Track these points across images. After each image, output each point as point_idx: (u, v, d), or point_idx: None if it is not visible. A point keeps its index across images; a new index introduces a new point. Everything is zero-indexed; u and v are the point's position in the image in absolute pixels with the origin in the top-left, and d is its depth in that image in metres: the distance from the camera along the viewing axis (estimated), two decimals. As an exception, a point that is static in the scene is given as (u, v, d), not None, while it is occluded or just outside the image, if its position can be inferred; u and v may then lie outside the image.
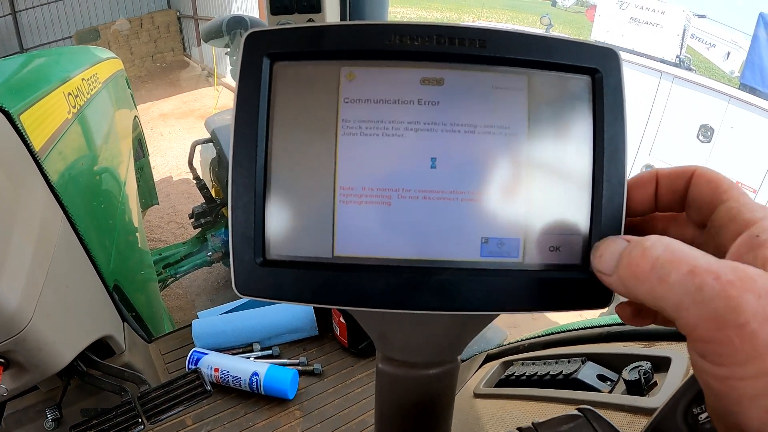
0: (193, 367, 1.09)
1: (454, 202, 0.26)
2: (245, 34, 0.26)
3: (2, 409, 1.05)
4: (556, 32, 5.55)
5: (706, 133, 4.06)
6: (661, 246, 0.21)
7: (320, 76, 0.26)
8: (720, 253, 0.22)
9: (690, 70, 4.42)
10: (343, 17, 0.94)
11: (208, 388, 0.96)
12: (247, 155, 0.26)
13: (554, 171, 0.27)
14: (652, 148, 4.35)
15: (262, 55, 0.26)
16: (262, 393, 1.04)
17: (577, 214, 0.27)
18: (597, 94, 0.27)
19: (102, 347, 1.08)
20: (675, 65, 4.36)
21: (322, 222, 0.26)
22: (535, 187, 0.27)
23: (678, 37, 4.42)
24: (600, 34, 4.82)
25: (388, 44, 0.26)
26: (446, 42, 0.26)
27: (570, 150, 0.27)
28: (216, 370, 1.07)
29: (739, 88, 4.07)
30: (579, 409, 0.38)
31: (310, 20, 0.84)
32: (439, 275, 0.26)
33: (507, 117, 0.26)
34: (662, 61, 4.37)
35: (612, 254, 0.23)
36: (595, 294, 0.26)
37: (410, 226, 0.26)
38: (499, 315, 0.28)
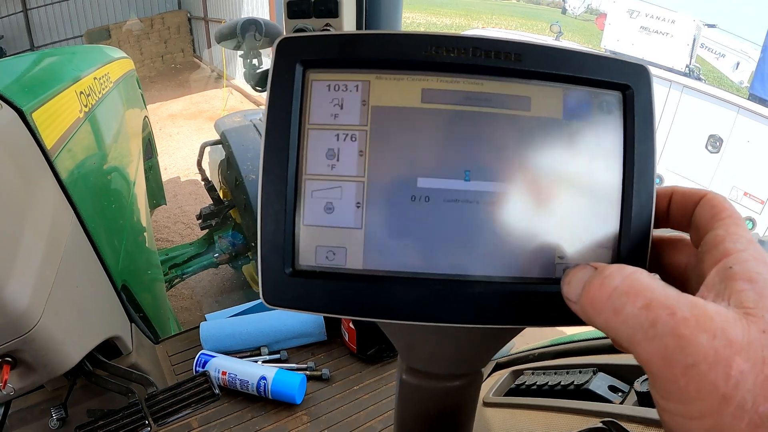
0: (201, 369, 1.08)
1: (486, 215, 0.26)
2: (277, 40, 0.25)
3: (7, 407, 1.05)
4: (565, 40, 5.54)
5: (714, 143, 4.05)
6: (620, 276, 0.21)
7: (353, 85, 0.26)
8: (701, 280, 0.22)
9: (699, 79, 4.41)
10: (359, 22, 0.94)
11: (216, 391, 0.96)
12: (278, 162, 0.26)
13: (585, 187, 0.27)
14: (660, 157, 4.34)
15: (295, 61, 0.26)
16: (270, 397, 1.04)
17: (607, 230, 0.27)
18: (628, 110, 0.27)
19: (109, 347, 1.08)
20: (685, 75, 4.35)
21: (353, 232, 0.26)
22: (567, 203, 0.26)
23: (688, 46, 4.41)
24: (610, 42, 4.81)
25: (424, 55, 0.26)
26: (482, 55, 0.26)
27: (600, 166, 0.27)
28: (223, 373, 1.07)
29: (748, 99, 4.05)
30: (603, 422, 0.38)
31: (327, 25, 0.84)
32: (471, 288, 0.26)
33: (540, 132, 0.26)
34: (672, 70, 4.36)
35: (578, 281, 0.23)
36: None
37: (441, 238, 0.26)
38: (525, 328, 0.28)
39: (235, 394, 1.07)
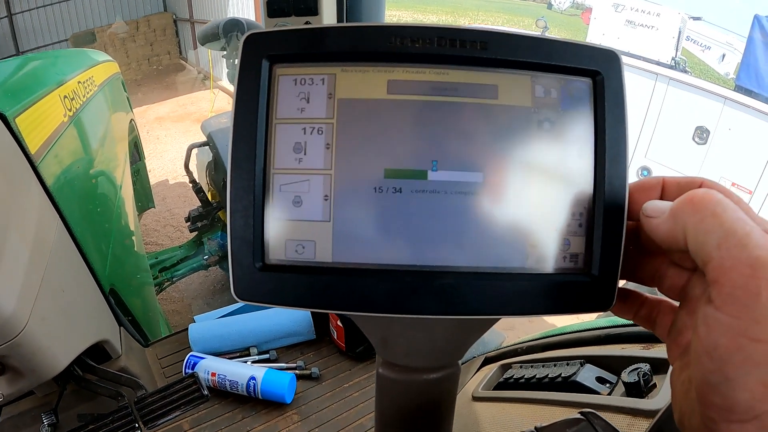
0: (190, 371, 1.08)
1: (455, 205, 0.26)
2: (244, 36, 0.25)
3: (-1, 414, 1.04)
4: (550, 35, 5.57)
5: (701, 135, 4.08)
6: (723, 196, 0.21)
7: (319, 78, 0.26)
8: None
9: (685, 72, 4.44)
10: (340, 20, 0.94)
11: (205, 392, 0.96)
12: (246, 158, 0.26)
13: (556, 175, 0.27)
14: (648, 150, 4.37)
15: (262, 57, 0.26)
16: (260, 397, 1.03)
17: (579, 218, 0.27)
18: (598, 96, 0.27)
19: (98, 351, 1.07)
20: (671, 67, 4.38)
21: (321, 225, 0.26)
22: (538, 192, 0.26)
23: (673, 39, 4.44)
24: (596, 36, 4.83)
25: (389, 46, 0.26)
26: (447, 44, 0.26)
27: (572, 153, 0.27)
28: (213, 374, 1.06)
29: (734, 90, 4.09)
30: (581, 413, 0.38)
31: (307, 23, 0.84)
32: (442, 279, 0.26)
33: (508, 120, 0.26)
34: (658, 63, 4.39)
35: (665, 204, 0.23)
36: (598, 297, 0.26)
37: (410, 229, 0.26)
38: (500, 319, 0.28)
39: (225, 395, 1.07)
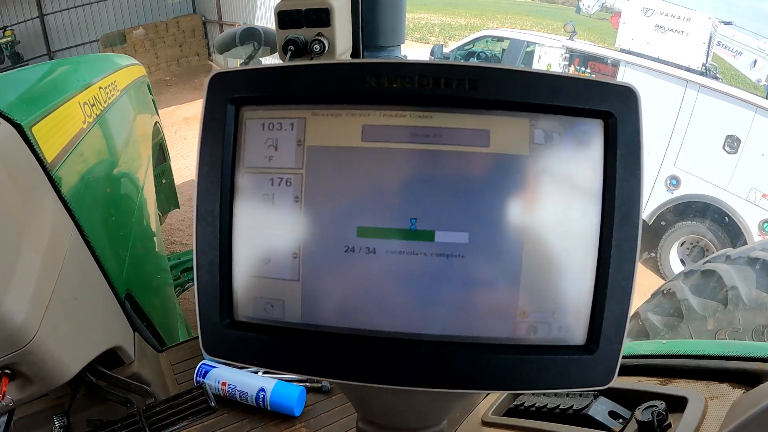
0: (201, 380, 1.08)
1: (436, 269, 0.23)
2: (209, 75, 0.24)
3: (11, 414, 1.06)
4: (579, 40, 5.45)
5: (732, 143, 3.94)
6: None
7: (288, 123, 0.24)
8: None
9: (716, 78, 4.29)
10: (355, 30, 0.92)
11: (213, 404, 0.96)
12: (210, 210, 0.24)
13: (555, 236, 0.23)
14: (677, 158, 4.24)
15: (227, 100, 0.24)
16: (269, 409, 1.03)
17: (580, 286, 0.23)
18: (609, 142, 0.23)
19: (111, 357, 1.08)
20: (701, 74, 4.25)
21: (290, 285, 0.24)
22: (531, 254, 0.23)
23: (704, 45, 4.30)
24: (625, 41, 4.71)
25: (364, 87, 0.23)
26: (430, 83, 0.23)
27: (574, 211, 0.23)
28: (223, 384, 1.06)
29: (766, 98, 3.94)
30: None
31: (319, 34, 0.83)
32: (417, 348, 0.23)
33: (500, 172, 0.23)
34: (688, 69, 4.26)
35: None
36: (597, 373, 0.23)
37: (384, 293, 0.24)
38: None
39: (234, 405, 1.06)
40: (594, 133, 0.23)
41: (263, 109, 0.24)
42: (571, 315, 0.23)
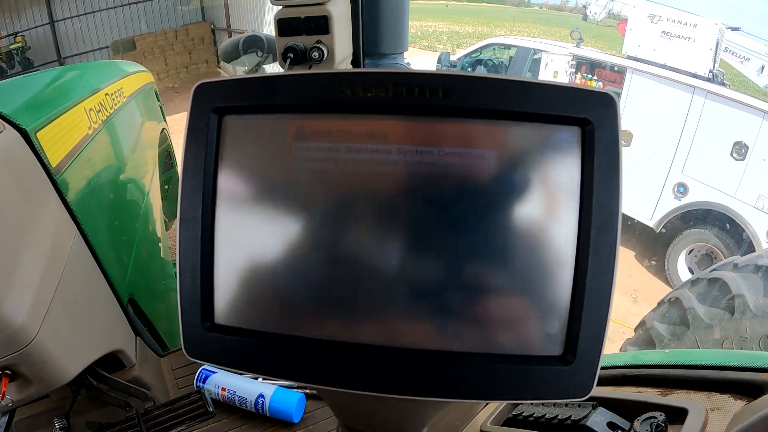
0: (201, 384, 1.08)
1: (410, 280, 0.23)
2: (194, 86, 0.24)
3: (12, 415, 1.07)
4: (586, 47, 5.44)
5: (740, 150, 3.91)
6: None
7: (269, 132, 0.24)
8: None
9: (724, 84, 4.26)
10: (356, 37, 0.93)
11: (211, 409, 0.96)
12: (193, 216, 0.24)
13: (530, 245, 0.22)
14: (684, 166, 4.21)
15: (210, 109, 0.24)
16: (268, 415, 1.02)
17: (557, 297, 0.23)
18: (587, 149, 0.22)
19: (113, 360, 1.09)
20: (708, 80, 4.22)
21: (267, 291, 0.24)
22: (508, 264, 0.23)
23: (711, 51, 4.27)
24: (631, 48, 4.70)
25: (339, 96, 0.23)
26: (404, 92, 0.22)
27: (551, 220, 0.23)
28: (223, 389, 1.06)
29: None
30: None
31: (318, 41, 0.83)
32: (393, 358, 0.23)
33: (476, 179, 0.23)
34: (695, 75, 4.23)
35: None
36: (574, 384, 0.23)
37: (362, 303, 0.23)
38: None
39: (233, 410, 1.06)
40: (571, 140, 0.23)
41: (245, 119, 0.24)
42: (548, 326, 0.23)
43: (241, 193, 0.24)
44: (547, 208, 0.23)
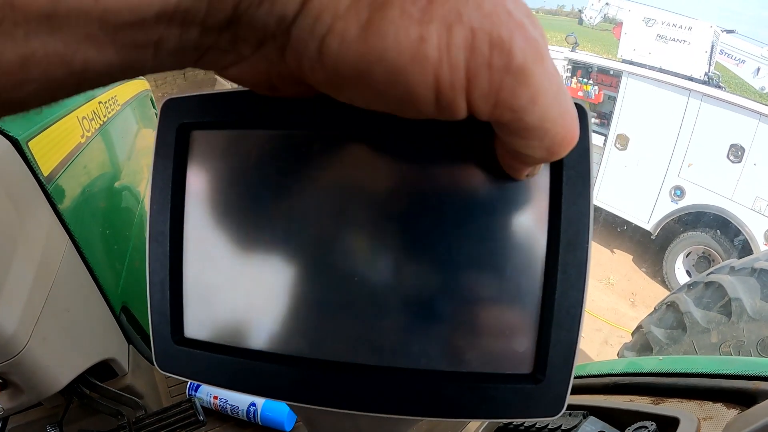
0: (194, 393, 1.08)
1: (375, 298, 0.22)
2: (163, 101, 0.24)
3: (5, 424, 1.07)
4: (581, 51, 5.44)
5: (736, 152, 3.92)
6: None
7: (236, 146, 0.24)
8: None
9: (719, 87, 4.27)
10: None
11: (201, 417, 0.95)
12: (161, 231, 0.24)
13: (496, 258, 0.22)
14: (680, 169, 4.22)
15: (177, 124, 0.24)
16: (259, 423, 1.02)
17: (525, 315, 0.22)
18: (555, 162, 0.21)
19: (105, 369, 1.08)
20: (704, 83, 4.23)
21: (234, 306, 0.24)
22: (474, 281, 0.22)
23: (706, 53, 4.27)
24: (627, 52, 4.70)
25: (309, 110, 0.22)
26: None
27: (518, 234, 0.22)
28: (215, 397, 1.06)
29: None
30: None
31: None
32: (360, 375, 0.23)
33: (436, 193, 0.22)
34: (691, 78, 4.24)
35: None
36: (544, 403, 0.22)
37: (327, 320, 0.23)
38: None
39: (225, 418, 1.06)
40: None
41: (212, 134, 0.24)
42: (515, 343, 0.22)
43: (209, 208, 0.24)
44: (513, 223, 0.22)
